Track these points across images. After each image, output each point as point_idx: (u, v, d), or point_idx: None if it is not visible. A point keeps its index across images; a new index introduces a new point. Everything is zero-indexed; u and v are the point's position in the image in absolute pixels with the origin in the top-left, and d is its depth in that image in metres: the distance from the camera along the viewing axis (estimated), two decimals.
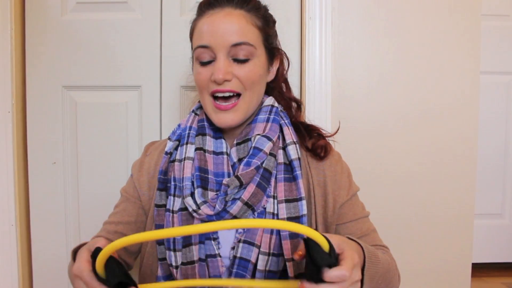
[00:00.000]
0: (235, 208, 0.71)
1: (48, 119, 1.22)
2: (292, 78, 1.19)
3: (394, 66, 1.20)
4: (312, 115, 1.17)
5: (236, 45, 0.72)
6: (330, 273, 0.50)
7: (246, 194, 0.71)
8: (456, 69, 1.20)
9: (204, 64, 0.75)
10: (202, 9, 0.76)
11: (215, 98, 0.75)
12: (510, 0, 1.72)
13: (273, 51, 0.82)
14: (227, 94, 0.73)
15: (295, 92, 1.20)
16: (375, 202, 1.21)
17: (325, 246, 0.51)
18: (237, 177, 0.71)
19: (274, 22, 0.83)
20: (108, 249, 0.50)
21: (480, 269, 1.76)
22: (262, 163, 0.73)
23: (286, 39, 1.20)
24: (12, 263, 1.18)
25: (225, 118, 0.74)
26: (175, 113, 1.22)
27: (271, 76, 0.83)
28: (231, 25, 0.73)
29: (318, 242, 0.51)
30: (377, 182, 1.21)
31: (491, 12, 1.68)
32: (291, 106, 0.88)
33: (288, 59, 0.90)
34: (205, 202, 0.72)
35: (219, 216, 0.71)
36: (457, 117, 1.21)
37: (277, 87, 0.86)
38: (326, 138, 0.83)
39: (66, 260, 1.25)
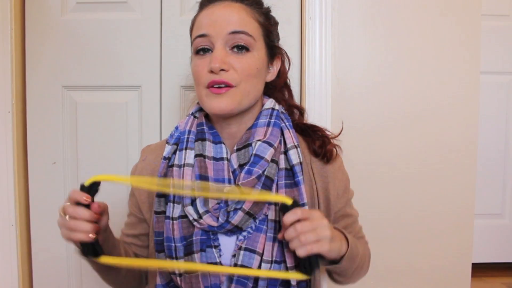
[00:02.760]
0: (237, 218, 0.69)
1: (48, 119, 1.22)
2: (292, 78, 1.19)
3: (394, 66, 1.20)
4: (312, 115, 1.16)
5: (234, 33, 0.71)
6: (285, 217, 0.63)
7: (247, 204, 0.70)
8: (456, 69, 1.20)
9: (201, 54, 0.73)
10: (203, 4, 0.77)
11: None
12: (510, 0, 1.72)
13: (274, 50, 0.80)
14: (222, 85, 0.71)
15: (295, 92, 1.20)
16: (375, 201, 1.21)
17: (288, 202, 0.64)
18: (238, 186, 0.70)
19: (277, 23, 0.83)
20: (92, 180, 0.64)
21: (480, 269, 1.76)
22: (263, 171, 0.71)
23: (286, 39, 1.19)
24: (12, 263, 1.18)
25: (219, 103, 0.71)
26: (175, 113, 1.22)
27: (271, 76, 0.81)
28: (230, 15, 0.72)
29: (281, 201, 0.65)
30: (376, 182, 1.21)
31: (491, 12, 1.68)
32: (293, 112, 0.87)
33: (289, 60, 0.88)
34: (207, 211, 0.71)
35: (221, 227, 0.70)
36: (457, 117, 1.21)
37: (278, 87, 0.85)
38: (332, 141, 0.82)
39: (66, 260, 1.25)
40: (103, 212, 0.67)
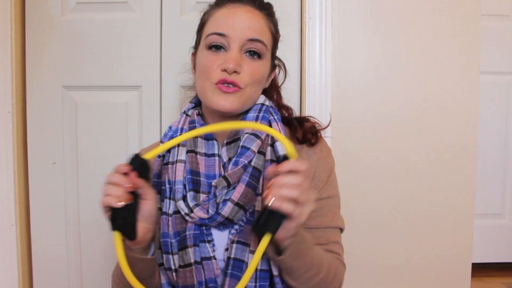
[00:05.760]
0: (226, 209, 0.70)
1: (48, 119, 1.22)
2: (292, 78, 1.19)
3: (394, 66, 1.20)
4: (312, 114, 1.15)
5: (252, 40, 0.73)
6: (284, 164, 0.58)
7: (236, 195, 0.71)
8: (456, 69, 1.20)
9: (215, 50, 0.74)
10: (223, 1, 0.77)
11: None
12: (510, 0, 1.72)
13: (274, 60, 0.84)
14: (231, 85, 0.73)
15: (295, 92, 1.21)
16: (374, 201, 1.21)
17: (292, 154, 0.60)
18: (225, 178, 0.71)
19: (280, 35, 0.85)
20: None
21: (480, 269, 1.76)
22: (250, 162, 0.73)
23: (286, 39, 1.20)
24: (12, 263, 1.18)
25: (225, 100, 0.73)
26: (175, 113, 1.22)
27: (267, 84, 0.84)
28: (252, 22, 0.74)
29: (283, 144, 0.61)
30: (376, 182, 1.21)
31: (491, 12, 1.68)
32: (282, 113, 0.88)
33: (286, 71, 0.91)
34: (197, 205, 0.72)
35: (211, 219, 0.71)
36: (457, 117, 1.21)
37: (270, 95, 0.87)
38: (317, 128, 0.83)
39: (66, 260, 1.25)
40: (144, 189, 0.64)
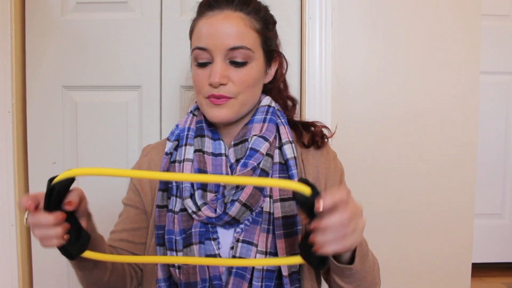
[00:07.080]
0: (234, 209, 0.71)
1: (48, 119, 1.22)
2: (292, 78, 1.19)
3: (394, 66, 1.20)
4: (312, 115, 1.17)
5: (233, 49, 0.72)
6: (322, 201, 0.51)
7: (243, 195, 0.71)
8: (456, 69, 1.20)
9: (201, 65, 0.75)
10: (202, 10, 0.76)
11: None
12: (510, 0, 1.72)
13: (271, 53, 0.81)
14: (221, 98, 0.74)
15: (295, 92, 1.20)
16: (374, 201, 1.21)
17: (307, 191, 0.52)
18: None
19: (275, 23, 0.83)
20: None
21: (480, 269, 1.76)
22: (258, 164, 0.74)
23: (286, 39, 1.20)
24: (12, 263, 1.18)
25: (218, 112, 0.74)
26: (175, 113, 1.22)
27: (268, 78, 0.82)
28: (229, 29, 0.72)
29: (298, 191, 0.53)
30: (376, 182, 1.21)
31: (491, 12, 1.68)
32: (287, 104, 0.88)
33: (286, 61, 0.88)
34: (205, 203, 0.73)
35: (218, 218, 0.72)
36: (457, 117, 1.21)
37: (276, 88, 0.86)
38: (325, 134, 0.83)
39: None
40: (78, 201, 0.61)
